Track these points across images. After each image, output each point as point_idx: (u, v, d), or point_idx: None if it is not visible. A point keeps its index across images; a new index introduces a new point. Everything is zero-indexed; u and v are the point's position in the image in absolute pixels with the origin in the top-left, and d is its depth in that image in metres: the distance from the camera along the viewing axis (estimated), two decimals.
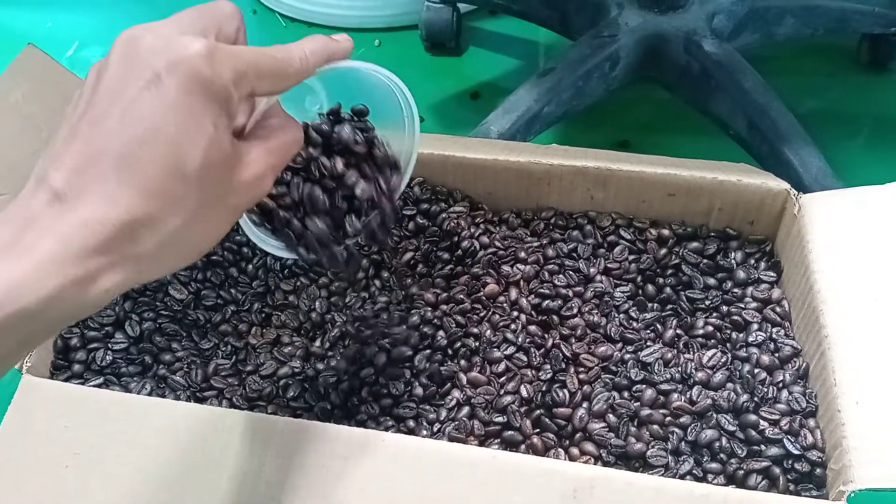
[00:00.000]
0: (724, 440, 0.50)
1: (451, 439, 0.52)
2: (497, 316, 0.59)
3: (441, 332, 0.58)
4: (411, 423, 0.54)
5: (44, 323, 0.30)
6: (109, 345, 0.59)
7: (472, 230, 0.65)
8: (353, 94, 0.49)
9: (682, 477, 0.49)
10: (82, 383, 0.57)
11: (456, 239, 0.65)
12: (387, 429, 0.53)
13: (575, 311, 0.59)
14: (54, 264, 0.29)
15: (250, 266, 0.65)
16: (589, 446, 0.52)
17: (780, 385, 0.53)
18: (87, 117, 0.31)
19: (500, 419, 0.53)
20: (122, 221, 0.30)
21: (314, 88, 0.47)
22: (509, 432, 0.53)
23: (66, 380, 0.57)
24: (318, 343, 0.59)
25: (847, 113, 1.03)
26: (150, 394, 0.56)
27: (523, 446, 0.52)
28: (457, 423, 0.53)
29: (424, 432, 0.53)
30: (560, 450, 0.52)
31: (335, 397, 0.55)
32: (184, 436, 0.49)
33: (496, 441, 0.53)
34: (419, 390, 0.55)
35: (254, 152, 0.35)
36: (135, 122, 0.30)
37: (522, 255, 0.63)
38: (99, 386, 0.56)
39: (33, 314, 0.29)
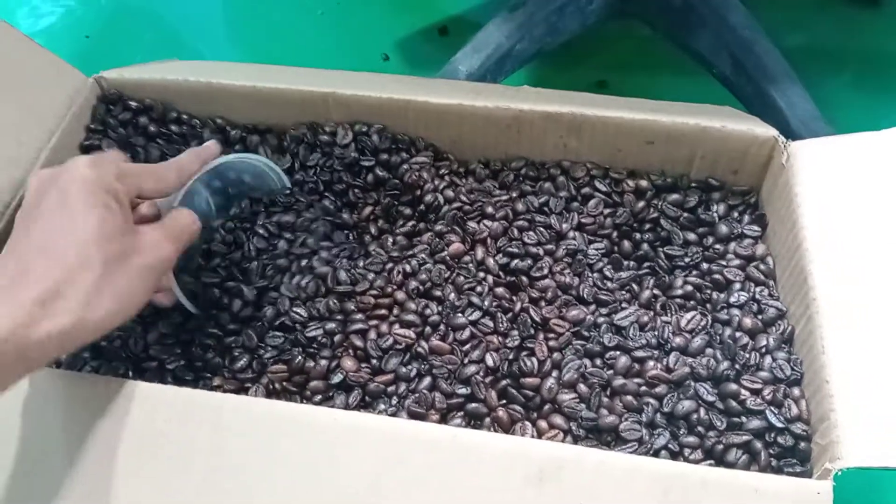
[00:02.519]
0: (702, 411, 0.47)
1: (411, 414, 0.49)
2: (462, 278, 0.54)
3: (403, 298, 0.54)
4: (367, 398, 0.50)
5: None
6: None
7: (437, 182, 0.60)
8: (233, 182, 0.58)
9: (657, 452, 0.46)
10: None
11: (418, 192, 0.60)
12: (342, 404, 0.49)
13: (546, 271, 0.55)
14: (4, 313, 0.38)
15: None
16: (558, 419, 0.48)
17: (763, 350, 0.49)
18: (18, 234, 0.43)
19: (463, 391, 0.49)
20: (50, 283, 0.40)
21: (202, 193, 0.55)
22: (473, 405, 0.49)
23: None
24: (268, 310, 0.54)
25: (834, 48, 0.98)
26: (82, 367, 0.52)
27: (488, 419, 0.49)
28: (417, 395, 0.49)
29: (382, 406, 0.49)
30: (527, 423, 0.48)
31: (285, 368, 0.51)
32: (117, 416, 0.44)
33: (459, 414, 0.49)
34: (375, 362, 0.51)
35: (150, 228, 0.46)
36: (51, 222, 0.42)
37: (490, 210, 0.58)
38: None
39: None
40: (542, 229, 0.57)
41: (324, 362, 0.51)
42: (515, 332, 0.51)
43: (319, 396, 0.50)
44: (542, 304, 0.53)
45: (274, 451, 0.43)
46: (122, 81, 0.66)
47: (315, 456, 0.43)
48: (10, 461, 0.44)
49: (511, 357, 0.50)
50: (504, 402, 0.49)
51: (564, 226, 0.57)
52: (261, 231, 0.58)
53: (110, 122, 0.65)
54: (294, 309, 0.53)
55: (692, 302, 0.53)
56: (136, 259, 0.43)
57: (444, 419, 0.49)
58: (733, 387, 0.47)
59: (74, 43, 1.05)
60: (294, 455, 0.43)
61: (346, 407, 0.49)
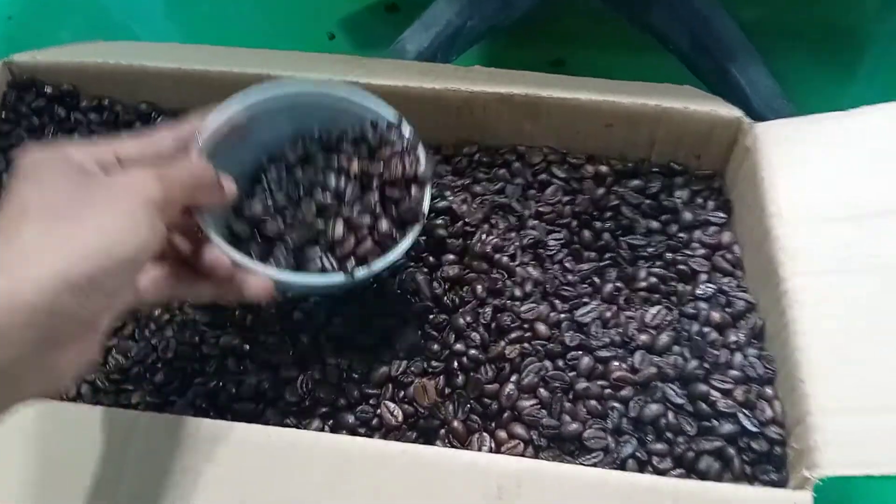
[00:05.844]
0: (670, 415, 0.44)
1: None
2: None
3: None
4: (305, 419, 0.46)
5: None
6: None
7: None
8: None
9: (624, 461, 0.43)
10: None
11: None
12: (278, 423, 0.45)
13: None
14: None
15: None
16: (518, 428, 0.44)
17: (734, 347, 0.46)
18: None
19: None
20: None
21: None
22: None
23: None
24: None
25: (791, 21, 0.96)
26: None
27: (442, 431, 0.45)
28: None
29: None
30: (485, 434, 0.44)
31: (213, 382, 0.47)
32: (26, 436, 0.40)
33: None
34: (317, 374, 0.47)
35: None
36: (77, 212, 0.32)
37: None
38: None
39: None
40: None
41: None
42: None
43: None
44: None
45: (203, 475, 0.39)
46: (35, 65, 0.60)
47: (246, 480, 0.39)
48: None
49: None
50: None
51: (524, 212, 0.53)
52: None
53: (22, 111, 0.59)
54: None
55: (657, 295, 0.50)
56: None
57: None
58: (703, 387, 0.44)
59: None
60: (222, 479, 0.39)
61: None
